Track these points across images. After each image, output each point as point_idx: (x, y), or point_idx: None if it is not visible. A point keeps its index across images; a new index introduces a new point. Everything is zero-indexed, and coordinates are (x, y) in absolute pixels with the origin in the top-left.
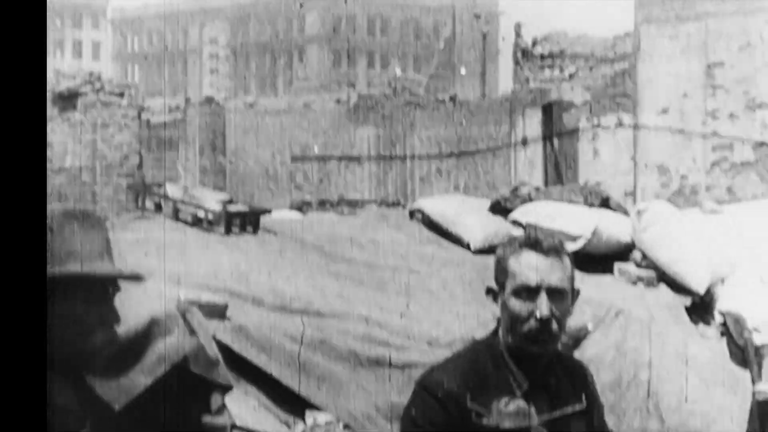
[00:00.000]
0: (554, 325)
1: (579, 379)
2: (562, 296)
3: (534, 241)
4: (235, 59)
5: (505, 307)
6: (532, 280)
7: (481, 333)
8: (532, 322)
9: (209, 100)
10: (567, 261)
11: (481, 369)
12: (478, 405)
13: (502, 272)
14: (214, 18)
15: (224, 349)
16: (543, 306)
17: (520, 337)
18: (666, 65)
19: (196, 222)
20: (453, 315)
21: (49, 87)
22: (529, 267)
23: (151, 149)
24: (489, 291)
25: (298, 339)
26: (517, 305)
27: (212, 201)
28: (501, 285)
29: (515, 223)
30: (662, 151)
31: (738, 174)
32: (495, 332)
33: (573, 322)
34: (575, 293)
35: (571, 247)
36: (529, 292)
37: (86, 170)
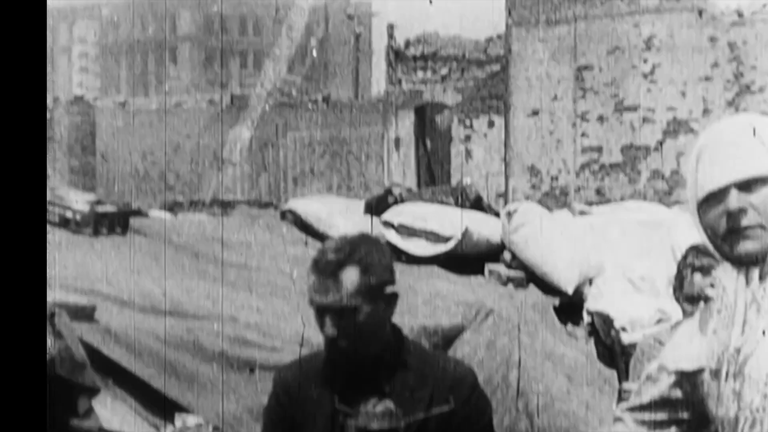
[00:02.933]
0: (342, 342)
1: (454, 383)
2: (345, 316)
3: (314, 262)
4: (105, 58)
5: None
6: (317, 302)
7: None
8: (327, 344)
9: (78, 100)
10: (351, 275)
11: (314, 370)
12: (345, 407)
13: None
14: (84, 16)
15: (92, 351)
16: (327, 327)
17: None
18: (537, 68)
19: (64, 223)
20: None
21: None
22: (313, 290)
23: None
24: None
25: (167, 341)
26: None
27: (80, 202)
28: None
29: (387, 224)
30: (533, 152)
31: (607, 176)
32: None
33: (446, 322)
34: (388, 297)
35: (442, 248)
36: (319, 315)
37: None
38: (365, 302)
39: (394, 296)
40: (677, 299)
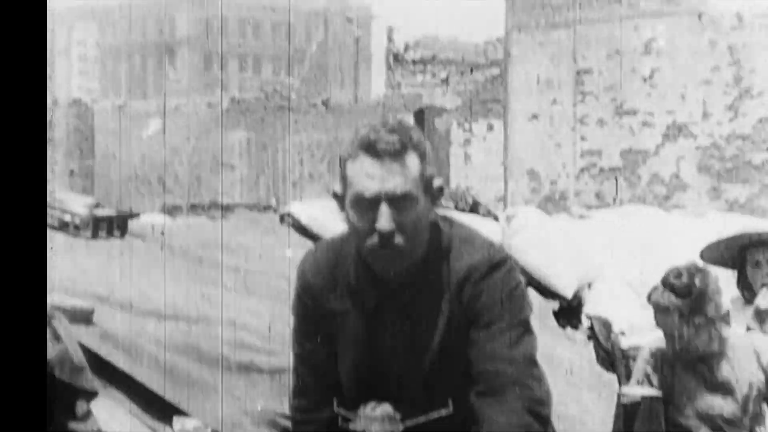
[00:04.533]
0: (398, 239)
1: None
2: (409, 203)
3: (369, 144)
4: (104, 61)
5: (347, 218)
6: (369, 190)
7: None
8: (375, 237)
9: (77, 102)
10: (413, 160)
11: (341, 267)
12: (344, 410)
13: (342, 178)
14: (83, 19)
15: (90, 354)
16: (383, 219)
17: (366, 253)
18: (536, 71)
19: (63, 226)
20: None
21: None
22: (366, 175)
23: None
24: (335, 196)
25: (166, 344)
26: (355, 218)
27: (79, 205)
28: (344, 188)
29: None
30: (532, 156)
31: (606, 179)
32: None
33: None
34: (436, 192)
35: None
36: (368, 203)
37: None
38: (423, 193)
39: (441, 190)
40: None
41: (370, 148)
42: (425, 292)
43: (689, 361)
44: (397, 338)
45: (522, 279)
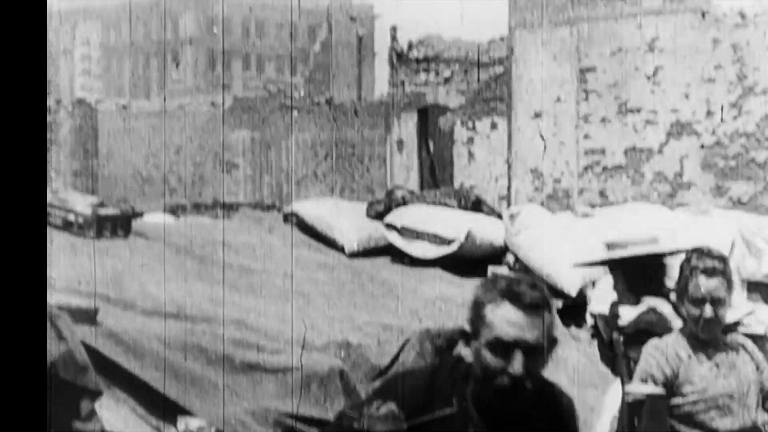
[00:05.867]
0: (528, 384)
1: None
2: (538, 353)
3: (515, 295)
4: (108, 61)
5: (477, 354)
6: (509, 336)
7: (354, 337)
8: (505, 378)
9: (81, 102)
10: (547, 315)
11: (436, 394)
12: (350, 409)
13: (477, 317)
14: (86, 18)
15: (94, 354)
16: (517, 364)
17: (490, 390)
18: (539, 70)
19: (67, 226)
20: (327, 318)
21: None
22: (508, 322)
23: None
24: (463, 334)
25: (170, 343)
26: (490, 358)
27: (83, 205)
28: (475, 330)
29: (389, 226)
30: (536, 155)
31: (610, 178)
32: (458, 360)
33: (449, 324)
34: (554, 343)
35: (445, 250)
36: (504, 347)
37: None
38: (547, 346)
39: (555, 342)
40: (682, 302)
41: (516, 298)
42: None
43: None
44: None
45: None
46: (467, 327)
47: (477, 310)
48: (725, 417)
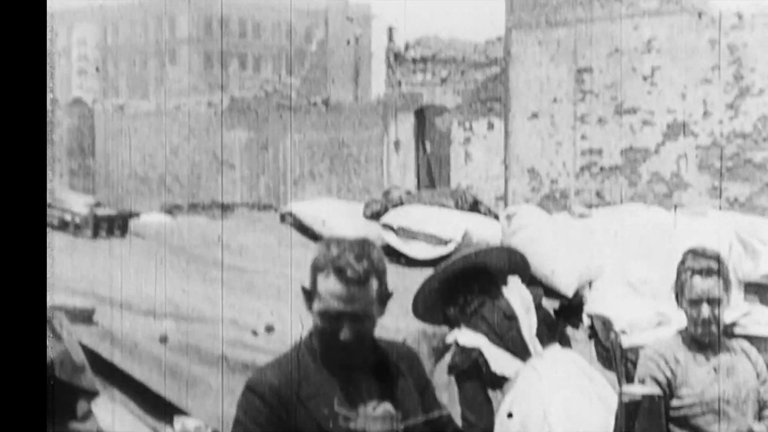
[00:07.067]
0: (356, 347)
1: (409, 363)
2: (364, 321)
3: (340, 268)
4: (105, 60)
5: (314, 316)
6: (334, 308)
7: None
8: (338, 343)
9: (77, 102)
10: (373, 283)
11: (303, 370)
12: (345, 409)
13: (312, 283)
14: (83, 19)
15: (91, 354)
16: (345, 333)
17: (328, 350)
18: (536, 70)
19: (64, 226)
20: None
21: None
22: (332, 295)
23: None
24: (303, 290)
25: (166, 343)
26: (320, 324)
27: (80, 205)
28: (313, 292)
29: (386, 226)
30: (532, 155)
31: (607, 178)
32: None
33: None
34: (386, 299)
35: (441, 251)
36: (332, 316)
37: None
38: (379, 309)
39: (389, 297)
40: (679, 304)
41: (339, 272)
42: None
43: (701, 344)
44: None
45: None
46: (308, 286)
47: (313, 275)
48: (721, 422)
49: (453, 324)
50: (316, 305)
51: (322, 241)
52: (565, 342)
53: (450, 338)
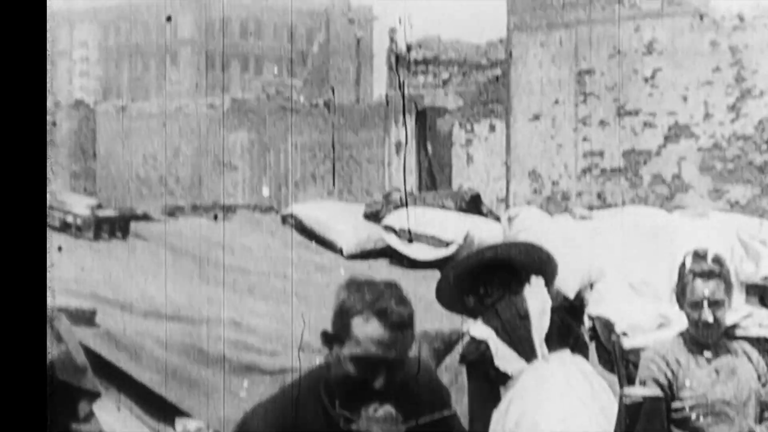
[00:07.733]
0: (387, 397)
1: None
2: (399, 363)
3: (382, 311)
4: (106, 62)
5: (338, 361)
6: (374, 353)
7: None
8: (368, 393)
9: (79, 104)
10: (411, 332)
11: (301, 417)
12: (347, 411)
13: (342, 326)
14: (84, 20)
15: (92, 355)
16: (380, 381)
17: (352, 396)
18: (538, 72)
19: (65, 227)
20: (325, 320)
21: None
22: (373, 341)
23: None
24: (324, 335)
25: (168, 345)
26: (353, 371)
27: (81, 206)
28: (338, 336)
29: (388, 228)
30: (534, 157)
31: (608, 180)
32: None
33: (447, 326)
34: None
35: (443, 252)
36: (367, 363)
37: None
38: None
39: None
40: (681, 306)
41: (382, 315)
42: None
43: (702, 346)
44: None
45: None
46: (330, 329)
47: (343, 318)
48: (722, 423)
49: (471, 314)
50: (348, 350)
51: (348, 284)
52: (580, 348)
53: (464, 328)
